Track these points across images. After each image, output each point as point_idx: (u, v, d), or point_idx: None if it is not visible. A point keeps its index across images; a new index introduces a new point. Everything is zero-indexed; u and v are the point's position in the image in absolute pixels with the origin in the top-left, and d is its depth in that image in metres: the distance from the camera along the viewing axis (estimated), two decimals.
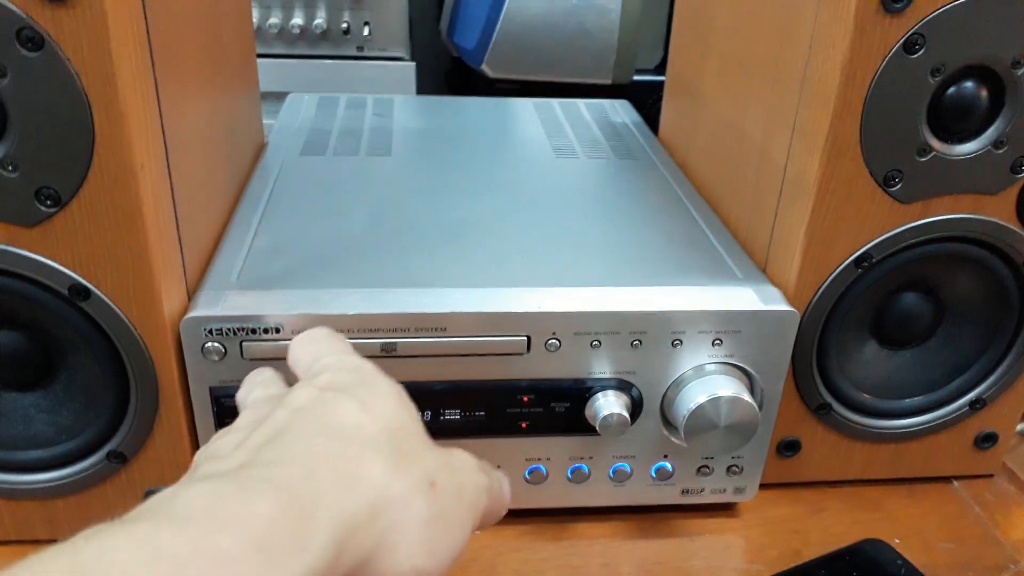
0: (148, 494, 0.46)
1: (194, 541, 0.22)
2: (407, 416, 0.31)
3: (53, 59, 0.35)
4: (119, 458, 0.46)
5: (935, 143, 0.45)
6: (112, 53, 0.36)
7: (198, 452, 0.32)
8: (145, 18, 0.38)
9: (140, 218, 0.39)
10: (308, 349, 0.36)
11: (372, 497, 0.27)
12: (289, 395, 0.31)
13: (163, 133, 0.41)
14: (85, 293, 0.41)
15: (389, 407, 0.31)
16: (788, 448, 0.54)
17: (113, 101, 0.37)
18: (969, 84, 0.44)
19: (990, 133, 0.45)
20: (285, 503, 0.25)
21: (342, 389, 0.31)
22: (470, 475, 0.32)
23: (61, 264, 0.40)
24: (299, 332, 0.43)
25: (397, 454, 0.29)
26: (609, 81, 1.05)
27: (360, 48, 1.07)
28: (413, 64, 1.09)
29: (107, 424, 0.45)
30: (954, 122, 0.45)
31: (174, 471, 0.47)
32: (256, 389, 0.36)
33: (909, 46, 0.42)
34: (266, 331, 0.43)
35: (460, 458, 0.32)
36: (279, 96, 0.83)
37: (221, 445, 0.30)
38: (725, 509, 0.54)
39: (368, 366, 0.33)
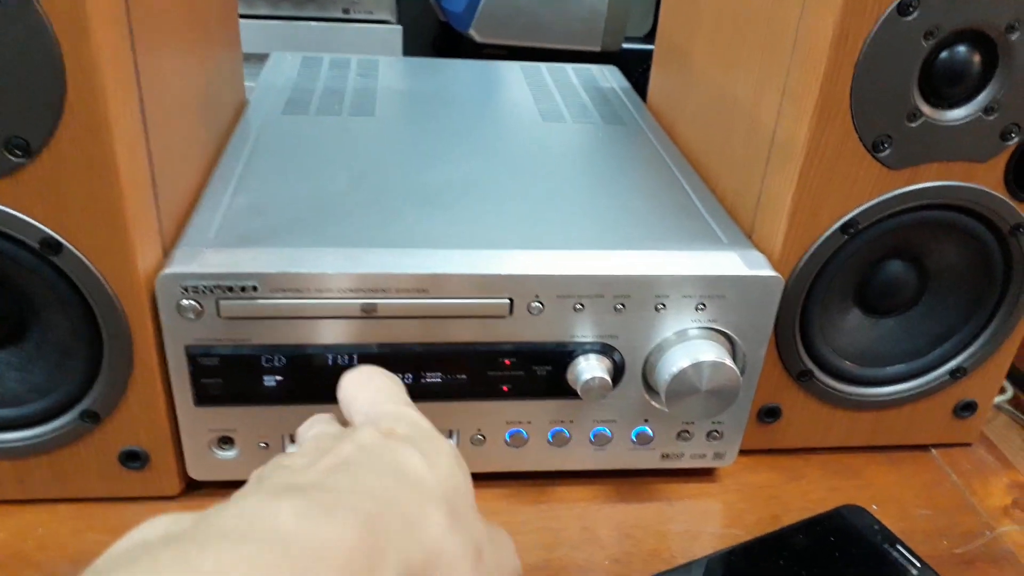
0: (123, 455, 0.46)
1: (295, 570, 0.23)
2: (463, 479, 0.32)
3: (25, 4, 0.34)
4: (92, 417, 0.45)
5: (925, 108, 0.45)
6: (86, 1, 0.34)
7: (258, 470, 0.32)
8: None
9: (114, 170, 0.38)
10: (365, 390, 0.36)
11: (429, 549, 0.27)
12: (354, 433, 0.32)
13: (138, 84, 0.40)
14: (56, 247, 0.40)
15: (448, 466, 0.31)
16: (769, 414, 0.54)
17: (86, 49, 0.35)
18: (962, 48, 0.44)
19: (981, 99, 0.45)
20: (365, 535, 0.25)
21: (405, 440, 0.31)
22: (510, 557, 0.33)
23: (31, 217, 0.39)
24: (277, 290, 0.43)
25: (453, 514, 0.29)
26: (598, 48, 1.04)
27: (346, 10, 1.05)
28: (400, 28, 1.07)
29: (80, 382, 0.44)
30: (945, 87, 0.44)
31: (149, 431, 0.46)
32: (316, 425, 0.37)
33: (903, 8, 0.41)
34: (243, 289, 0.43)
35: (503, 537, 0.33)
36: (262, 58, 0.81)
37: (289, 462, 0.30)
38: (705, 474, 0.54)
39: (427, 424, 0.34)
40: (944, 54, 0.43)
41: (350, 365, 0.46)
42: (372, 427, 0.32)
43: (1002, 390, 0.76)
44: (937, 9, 0.41)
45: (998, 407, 0.76)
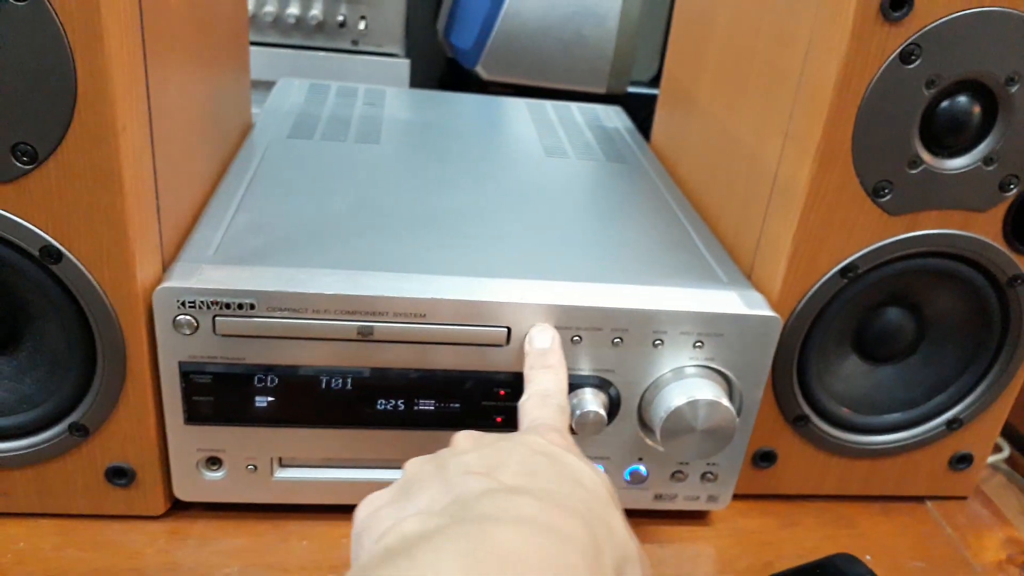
0: (110, 471, 0.45)
1: (555, 547, 0.26)
2: (614, 488, 0.34)
3: (40, 10, 0.34)
4: (81, 431, 0.44)
5: (926, 156, 0.45)
6: (101, 8, 0.35)
7: (426, 464, 0.34)
8: None
9: (118, 181, 0.38)
10: (546, 379, 0.42)
11: (624, 550, 0.30)
12: (522, 436, 0.35)
13: (148, 97, 0.40)
14: (57, 255, 0.40)
15: (605, 476, 0.34)
16: (764, 459, 0.53)
17: (98, 58, 0.36)
18: (962, 98, 0.44)
19: (981, 149, 0.45)
20: (589, 532, 0.28)
21: (568, 450, 0.35)
22: (649, 566, 0.34)
23: (33, 224, 0.39)
24: (274, 309, 0.43)
25: (624, 519, 0.32)
26: (603, 90, 1.05)
27: (355, 42, 1.07)
28: (407, 61, 1.08)
29: (71, 395, 0.44)
30: (946, 136, 0.45)
31: (137, 448, 0.45)
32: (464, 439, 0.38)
33: (905, 56, 0.42)
34: (240, 307, 0.42)
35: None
36: (271, 84, 0.82)
37: (467, 460, 0.33)
38: (697, 517, 0.54)
39: (570, 438, 0.38)
40: (945, 103, 0.44)
41: (343, 389, 0.45)
42: (537, 434, 0.36)
43: (999, 449, 0.75)
44: (939, 59, 0.42)
45: (995, 466, 0.76)
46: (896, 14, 0.41)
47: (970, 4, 0.41)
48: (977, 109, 0.44)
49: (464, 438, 0.37)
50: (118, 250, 0.40)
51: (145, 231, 0.41)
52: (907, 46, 0.42)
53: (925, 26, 0.41)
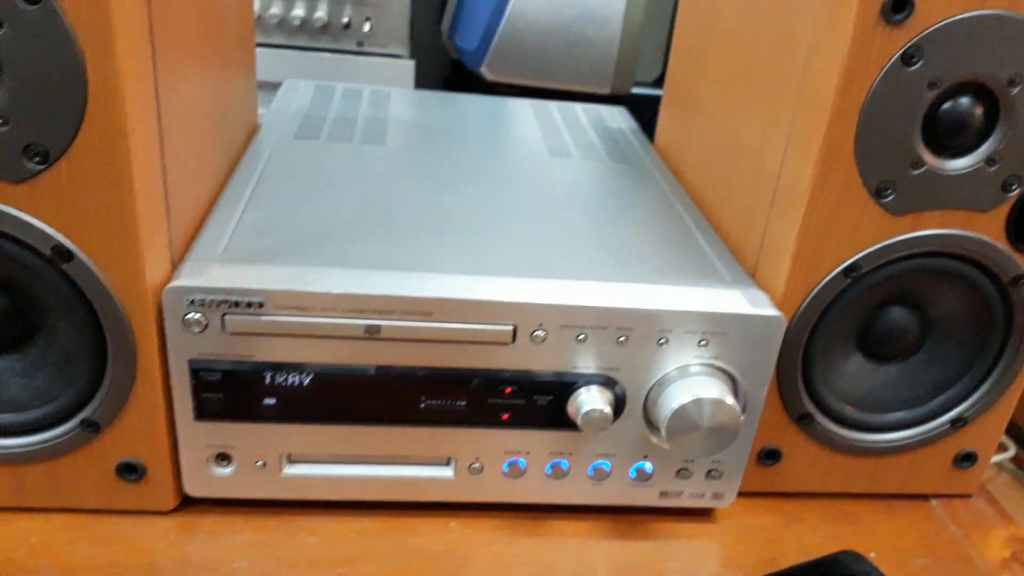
0: (121, 467, 0.46)
1: None
2: None
3: (50, 13, 0.35)
4: (92, 427, 0.45)
5: (928, 157, 0.45)
6: (110, 10, 0.35)
7: None
8: None
9: (128, 181, 0.39)
10: None
11: None
12: None
13: (157, 98, 0.41)
14: (68, 255, 0.40)
15: None
16: (769, 456, 0.54)
17: (109, 59, 0.36)
18: (964, 100, 0.44)
19: (983, 150, 0.46)
20: None
21: None
22: None
23: (45, 223, 0.40)
24: (283, 308, 0.43)
25: None
26: (607, 91, 1.05)
27: (360, 43, 1.07)
28: (412, 63, 1.09)
29: (82, 391, 0.44)
30: (948, 137, 0.45)
31: (147, 444, 0.46)
32: None
33: (907, 58, 0.42)
34: (249, 305, 0.43)
35: None
36: (276, 85, 0.82)
37: None
38: (703, 514, 0.54)
39: None
40: (947, 105, 0.44)
41: (351, 386, 0.46)
42: None
43: (1005, 448, 0.75)
44: (940, 61, 0.42)
45: (1000, 465, 0.76)
46: (897, 17, 0.41)
47: (971, 6, 0.42)
48: (979, 110, 0.45)
49: None
50: (128, 250, 0.41)
51: (154, 231, 0.42)
52: (908, 48, 0.42)
53: (926, 29, 0.42)
